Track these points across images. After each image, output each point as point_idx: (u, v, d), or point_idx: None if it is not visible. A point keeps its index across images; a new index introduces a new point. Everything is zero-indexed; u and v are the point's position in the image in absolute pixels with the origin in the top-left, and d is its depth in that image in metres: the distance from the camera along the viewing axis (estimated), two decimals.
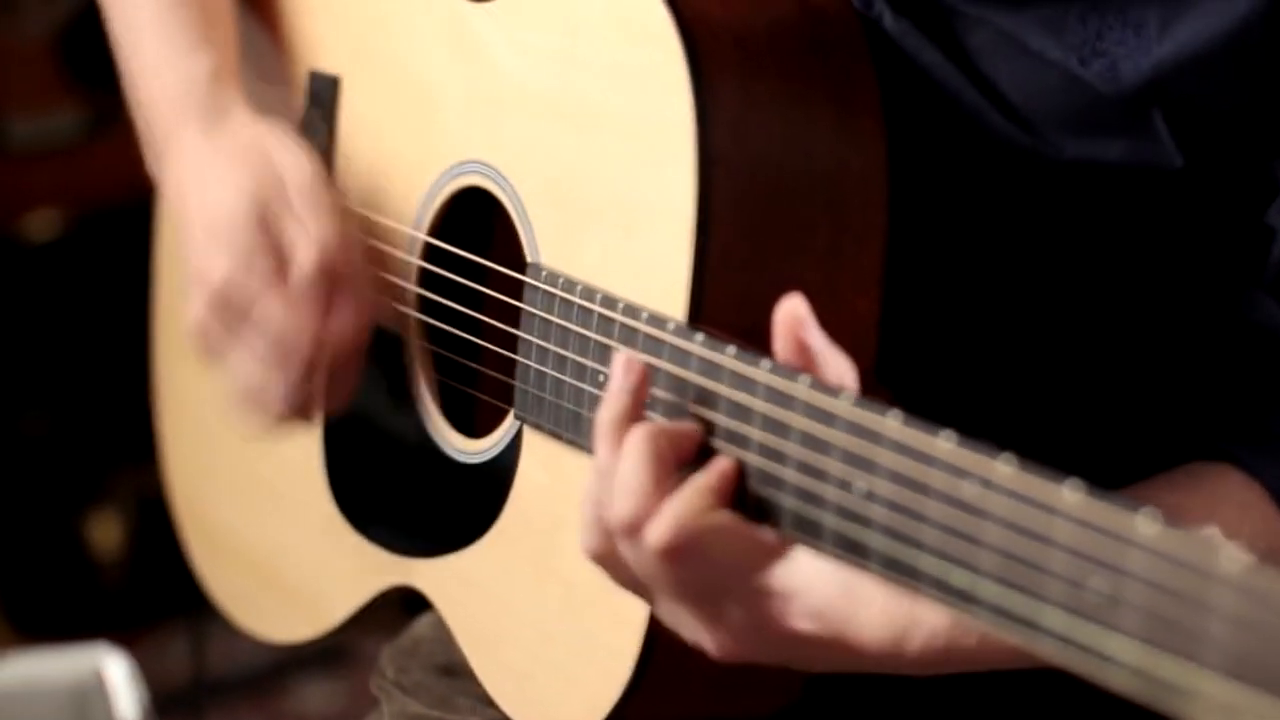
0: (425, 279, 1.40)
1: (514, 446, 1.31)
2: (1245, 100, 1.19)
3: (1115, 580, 0.91)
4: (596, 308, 1.20)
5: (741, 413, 1.09)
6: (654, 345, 1.15)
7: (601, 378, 1.20)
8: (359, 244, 1.37)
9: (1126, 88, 1.19)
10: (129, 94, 1.49)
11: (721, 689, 1.28)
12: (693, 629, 1.13)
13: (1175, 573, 0.88)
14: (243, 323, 1.34)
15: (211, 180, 1.36)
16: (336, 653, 2.84)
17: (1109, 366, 1.27)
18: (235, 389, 1.38)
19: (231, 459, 1.63)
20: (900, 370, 1.23)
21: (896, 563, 1.02)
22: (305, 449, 1.51)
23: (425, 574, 1.40)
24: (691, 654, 1.19)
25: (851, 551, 1.04)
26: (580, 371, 1.22)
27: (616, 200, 1.23)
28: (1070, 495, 0.93)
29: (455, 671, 1.42)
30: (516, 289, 1.29)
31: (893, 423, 1.01)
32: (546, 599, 1.29)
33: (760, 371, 1.08)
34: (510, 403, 1.30)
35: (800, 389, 1.06)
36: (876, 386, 1.08)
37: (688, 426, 1.10)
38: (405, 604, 1.48)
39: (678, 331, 1.13)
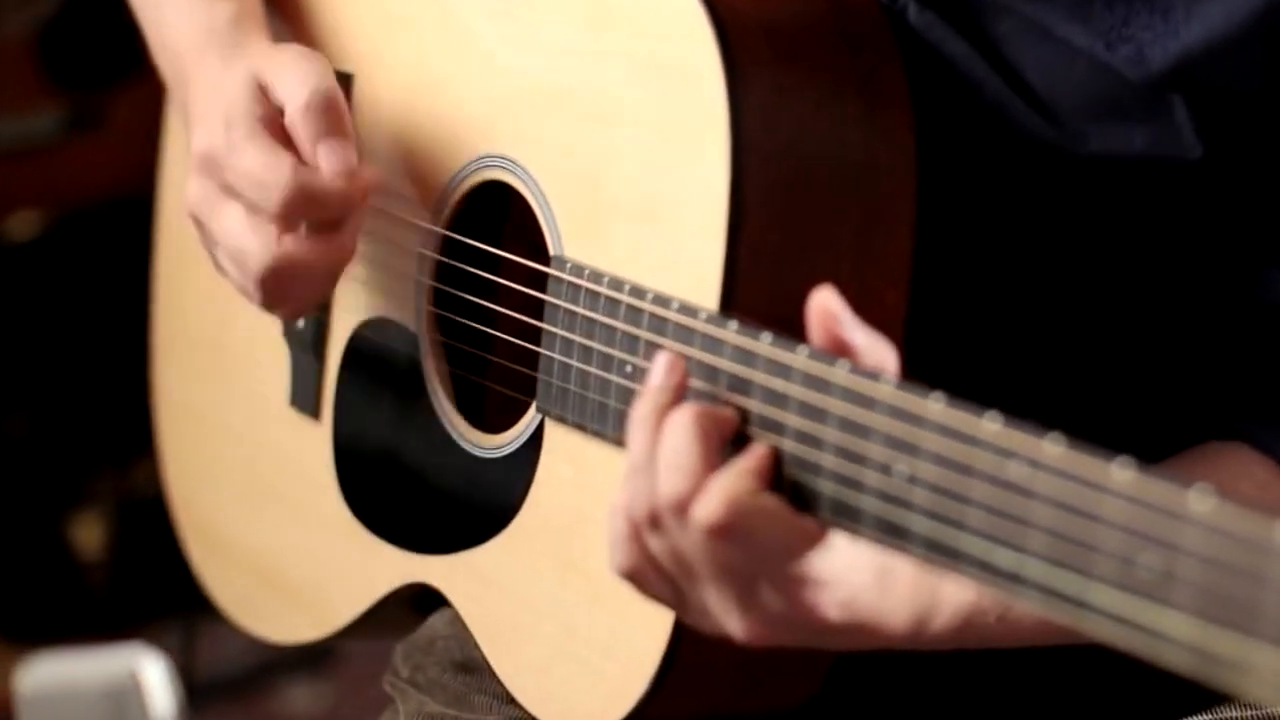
0: (441, 274, 1.40)
1: (535, 440, 1.31)
2: (1269, 84, 1.20)
3: (1168, 556, 0.91)
4: (625, 298, 1.20)
5: (778, 399, 1.09)
6: (685, 334, 1.15)
7: (629, 368, 1.20)
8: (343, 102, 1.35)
9: (1153, 73, 1.20)
10: (149, 41, 1.49)
11: (743, 682, 1.28)
12: (723, 612, 1.13)
13: (1231, 547, 0.89)
14: (227, 181, 1.32)
15: (225, 82, 1.36)
16: (322, 653, 2.84)
17: (1126, 349, 1.29)
18: (222, 257, 1.36)
19: (232, 460, 1.62)
20: (925, 360, 1.24)
21: (939, 545, 1.02)
22: (314, 446, 1.51)
23: (441, 571, 1.39)
24: (716, 647, 1.19)
25: (892, 535, 1.04)
26: (607, 362, 1.22)
27: (645, 192, 1.23)
28: (1120, 473, 0.94)
29: (472, 668, 1.41)
30: (537, 283, 1.30)
31: (936, 405, 1.02)
32: (569, 592, 1.29)
33: (798, 358, 1.08)
34: (530, 396, 1.30)
35: (839, 374, 1.06)
36: (905, 377, 1.08)
37: (726, 411, 1.11)
38: (415, 603, 1.47)
39: (711, 319, 1.14)
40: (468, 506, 1.37)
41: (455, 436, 1.39)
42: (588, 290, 1.23)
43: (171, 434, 1.71)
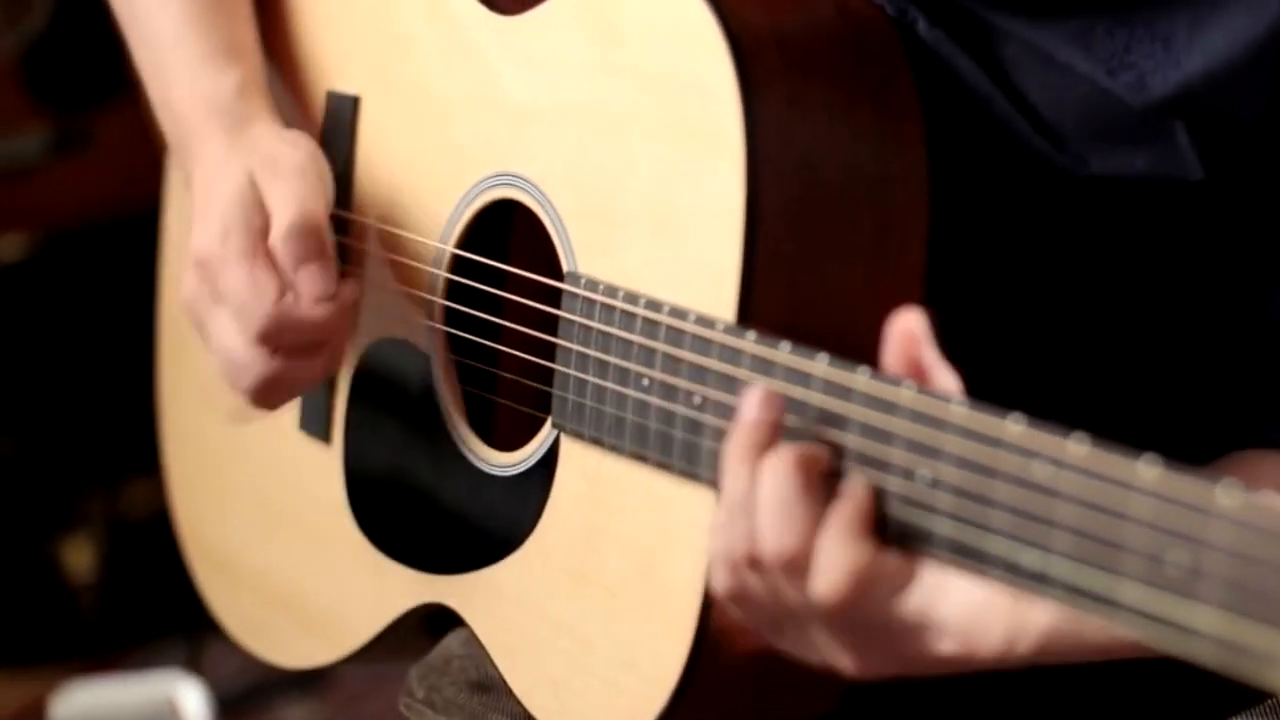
0: (451, 293, 1.40)
1: (550, 457, 1.31)
2: (1270, 112, 1.21)
3: (1196, 552, 0.92)
4: (641, 311, 1.21)
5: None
6: (702, 345, 1.16)
7: (646, 381, 1.20)
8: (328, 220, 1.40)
9: (1154, 100, 1.21)
10: (149, 88, 1.51)
11: (762, 697, 1.28)
12: (833, 652, 1.12)
13: (1261, 541, 0.90)
14: (218, 290, 1.38)
15: (225, 176, 1.40)
16: (314, 673, 2.82)
17: (1136, 364, 1.29)
18: (215, 362, 1.41)
19: (241, 485, 1.62)
20: None
21: (963, 547, 1.02)
22: (324, 470, 1.51)
23: (456, 591, 1.40)
24: (734, 661, 1.19)
25: (913, 539, 1.05)
26: (623, 376, 1.22)
27: (658, 206, 1.24)
28: (1147, 470, 0.94)
29: (488, 687, 1.41)
30: (550, 299, 1.30)
31: (958, 409, 1.02)
32: (587, 608, 1.29)
33: (818, 365, 1.09)
34: (544, 413, 1.31)
35: (860, 380, 1.07)
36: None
37: (818, 449, 1.08)
38: (428, 624, 1.47)
39: (728, 330, 1.14)
40: (482, 525, 1.37)
41: (468, 455, 1.39)
42: (603, 304, 1.24)
43: (178, 458, 1.71)
